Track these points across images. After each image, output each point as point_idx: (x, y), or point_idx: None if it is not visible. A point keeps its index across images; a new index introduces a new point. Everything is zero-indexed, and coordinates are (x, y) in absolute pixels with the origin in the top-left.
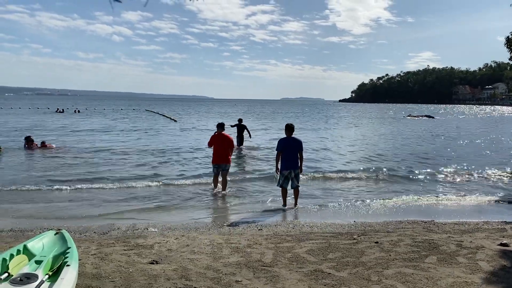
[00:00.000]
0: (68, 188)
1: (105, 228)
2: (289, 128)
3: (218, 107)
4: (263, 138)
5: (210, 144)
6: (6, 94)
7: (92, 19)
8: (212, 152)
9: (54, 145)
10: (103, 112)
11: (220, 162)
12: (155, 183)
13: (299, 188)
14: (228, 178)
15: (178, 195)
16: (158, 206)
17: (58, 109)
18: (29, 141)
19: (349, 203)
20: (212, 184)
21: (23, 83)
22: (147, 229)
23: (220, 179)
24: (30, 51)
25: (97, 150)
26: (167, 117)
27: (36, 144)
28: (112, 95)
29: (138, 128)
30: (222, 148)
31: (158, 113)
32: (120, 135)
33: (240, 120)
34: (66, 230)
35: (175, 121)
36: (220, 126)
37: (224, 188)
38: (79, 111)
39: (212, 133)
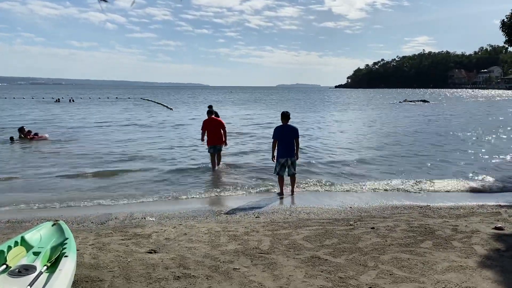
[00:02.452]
0: (65, 178)
1: (102, 218)
2: (285, 116)
3: (214, 95)
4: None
5: (203, 129)
6: (0, 84)
7: (85, 6)
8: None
9: (47, 135)
10: (97, 101)
11: (215, 144)
12: (151, 172)
13: (296, 175)
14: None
15: (175, 183)
16: (155, 194)
17: (58, 99)
18: (23, 132)
19: (345, 189)
20: (211, 165)
21: (17, 72)
22: (144, 218)
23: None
24: (23, 40)
25: (95, 138)
26: (163, 105)
27: (31, 135)
28: (106, 84)
29: (139, 119)
30: (215, 130)
31: (153, 101)
32: (120, 127)
33: (210, 108)
34: (64, 221)
35: (170, 109)
36: (210, 112)
37: (218, 163)
38: (73, 100)
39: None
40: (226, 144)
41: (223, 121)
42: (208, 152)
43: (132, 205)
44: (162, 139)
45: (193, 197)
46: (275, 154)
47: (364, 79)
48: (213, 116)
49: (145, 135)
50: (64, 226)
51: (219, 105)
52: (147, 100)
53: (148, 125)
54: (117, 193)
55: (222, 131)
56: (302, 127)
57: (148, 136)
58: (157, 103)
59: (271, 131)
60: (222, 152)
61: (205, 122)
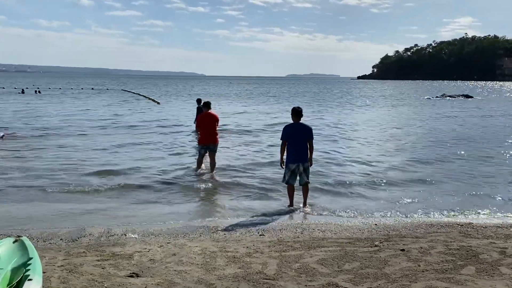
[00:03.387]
0: (30, 184)
1: (74, 234)
2: (296, 113)
3: (211, 87)
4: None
5: (198, 125)
6: None
7: None
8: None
9: (17, 133)
10: (69, 93)
11: (208, 143)
12: (133, 178)
13: (309, 184)
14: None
15: (161, 191)
16: (138, 205)
17: (22, 89)
18: None
19: (369, 201)
20: (196, 165)
21: None
22: (125, 235)
23: (207, 161)
24: None
25: (68, 136)
26: (149, 98)
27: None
28: (81, 72)
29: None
30: (210, 127)
31: (137, 93)
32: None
33: (199, 101)
34: (27, 237)
35: (158, 103)
36: (207, 105)
37: (212, 169)
38: (40, 92)
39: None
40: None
41: (219, 117)
42: (199, 152)
43: (110, 219)
44: (147, 140)
45: (184, 208)
46: (284, 158)
47: (393, 68)
48: (208, 110)
49: (129, 138)
50: (28, 243)
51: (217, 99)
52: (130, 92)
53: (131, 125)
54: (92, 204)
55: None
56: (318, 127)
57: (132, 142)
58: (142, 95)
59: (280, 130)
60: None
61: (199, 117)
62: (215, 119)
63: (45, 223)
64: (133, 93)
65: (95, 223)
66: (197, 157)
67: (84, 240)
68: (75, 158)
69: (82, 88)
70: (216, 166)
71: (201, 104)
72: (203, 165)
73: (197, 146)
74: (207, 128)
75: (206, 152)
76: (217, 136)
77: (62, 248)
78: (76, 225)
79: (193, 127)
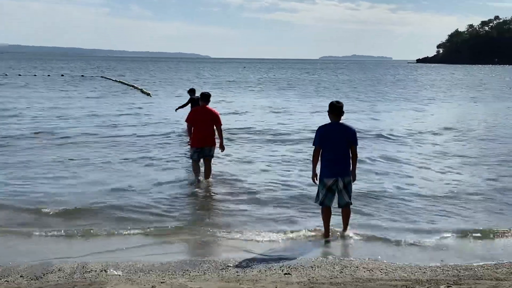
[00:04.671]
0: None
1: (38, 269)
2: (335, 109)
3: (220, 73)
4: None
5: (189, 121)
6: None
7: None
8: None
9: None
10: (32, 80)
11: (203, 145)
12: (116, 197)
13: (351, 206)
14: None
15: (154, 214)
16: (121, 230)
17: None
18: None
19: (433, 229)
20: (193, 175)
21: None
22: (105, 271)
23: (202, 167)
24: None
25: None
26: (136, 88)
27: None
28: (48, 53)
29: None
30: (206, 125)
31: (121, 82)
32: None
33: (192, 90)
34: None
35: (147, 94)
36: (206, 98)
37: (207, 177)
38: None
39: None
40: (223, 148)
41: (219, 113)
42: (191, 158)
43: (85, 248)
44: (138, 148)
45: (181, 235)
46: (318, 171)
47: (465, 49)
48: (206, 105)
49: (113, 149)
50: None
51: (223, 90)
52: (112, 80)
53: (113, 124)
54: (61, 227)
55: (216, 128)
56: (366, 128)
57: (117, 153)
58: (127, 84)
59: (311, 130)
60: (215, 160)
61: (193, 112)
62: (214, 117)
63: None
64: (117, 81)
65: (66, 255)
66: (191, 165)
67: (52, 277)
68: (31, 173)
69: (49, 75)
70: (229, 178)
71: (194, 94)
72: (201, 176)
73: (188, 152)
74: (202, 126)
75: (200, 158)
76: (214, 138)
77: None
78: (41, 258)
79: (185, 125)
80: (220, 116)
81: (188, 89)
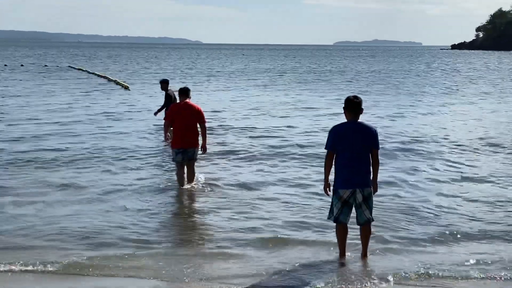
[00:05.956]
0: None
1: None
2: (353, 105)
3: (214, 62)
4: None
5: (169, 119)
6: None
7: None
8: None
9: None
10: None
11: (186, 146)
12: (94, 212)
13: (371, 223)
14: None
15: (134, 229)
16: (101, 256)
17: None
18: None
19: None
20: (177, 181)
21: None
22: None
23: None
24: None
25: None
26: (110, 80)
27: None
28: (6, 38)
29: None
30: (187, 124)
31: (94, 73)
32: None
33: (165, 83)
34: None
35: (126, 88)
36: (184, 93)
37: (190, 181)
38: None
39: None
40: (205, 150)
41: (202, 109)
42: (174, 160)
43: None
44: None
45: (175, 258)
46: (332, 180)
47: (510, 33)
48: (187, 100)
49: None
50: None
51: (216, 83)
52: (82, 70)
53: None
54: (26, 254)
55: (199, 126)
56: (388, 127)
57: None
58: (100, 76)
59: (322, 130)
60: (199, 161)
61: (173, 108)
62: (196, 113)
63: None
64: (88, 72)
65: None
66: (175, 170)
67: None
68: None
69: (6, 65)
70: (229, 187)
71: (167, 88)
72: (186, 181)
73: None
74: (183, 125)
75: (184, 160)
76: (198, 138)
77: None
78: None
79: (160, 123)
80: (203, 112)
81: (160, 80)
